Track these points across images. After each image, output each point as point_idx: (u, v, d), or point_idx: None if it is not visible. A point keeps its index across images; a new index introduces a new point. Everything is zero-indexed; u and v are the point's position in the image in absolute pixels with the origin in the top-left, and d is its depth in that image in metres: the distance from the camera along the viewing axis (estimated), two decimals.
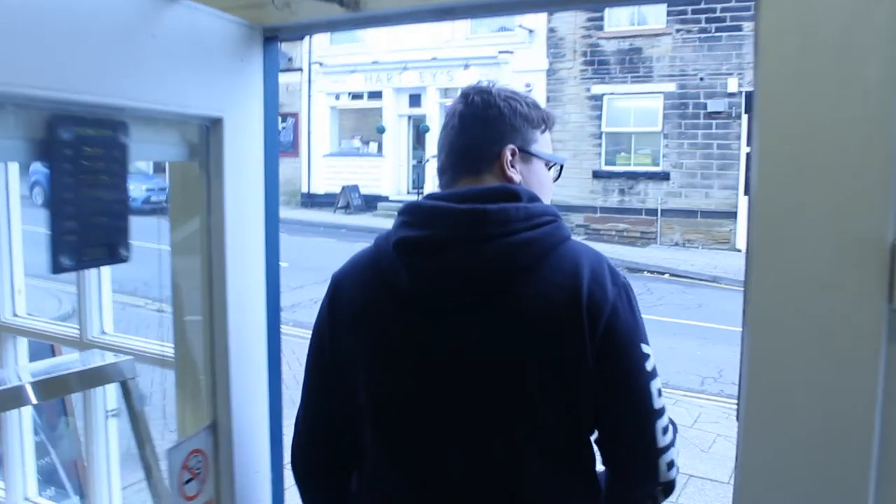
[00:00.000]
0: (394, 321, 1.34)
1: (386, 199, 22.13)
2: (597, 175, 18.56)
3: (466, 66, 20.22)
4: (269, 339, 1.88)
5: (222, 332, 1.72)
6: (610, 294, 1.28)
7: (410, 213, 1.35)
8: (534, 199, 1.34)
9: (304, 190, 23.91)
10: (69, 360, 2.31)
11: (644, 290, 12.56)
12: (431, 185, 20.58)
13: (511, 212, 1.28)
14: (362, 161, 23.07)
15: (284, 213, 15.42)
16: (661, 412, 1.31)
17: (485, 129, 1.41)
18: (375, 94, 22.51)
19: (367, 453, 1.42)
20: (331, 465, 1.51)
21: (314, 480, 1.54)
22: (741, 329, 1.05)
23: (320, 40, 23.24)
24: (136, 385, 2.18)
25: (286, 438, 1.78)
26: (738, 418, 1.06)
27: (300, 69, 23.73)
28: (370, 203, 22.13)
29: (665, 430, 1.32)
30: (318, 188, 23.58)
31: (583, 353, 1.26)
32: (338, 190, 22.49)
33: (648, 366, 1.31)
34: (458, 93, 1.47)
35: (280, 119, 23.96)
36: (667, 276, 14.22)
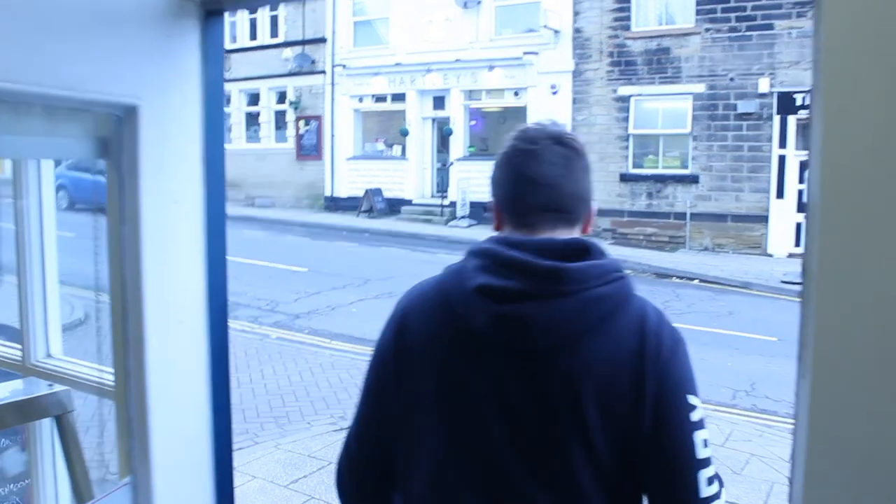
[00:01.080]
0: (467, 361, 1.41)
1: (409, 202, 21.87)
2: (624, 178, 18.15)
3: (491, 68, 19.92)
4: (213, 374, 1.57)
5: (139, 366, 1.41)
6: (669, 352, 1.37)
7: (489, 259, 1.40)
8: (603, 253, 1.42)
9: (328, 193, 23.74)
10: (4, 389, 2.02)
11: (673, 296, 12.15)
12: (455, 188, 20.33)
13: (589, 270, 1.36)
14: (386, 164, 22.83)
15: (307, 216, 15.38)
16: (705, 462, 1.36)
17: (587, 179, 1.53)
18: (399, 97, 22.26)
19: (425, 479, 1.46)
20: (381, 484, 1.57)
21: (362, 500, 1.61)
22: (799, 351, 0.89)
23: (343, 42, 23.06)
24: (70, 419, 1.88)
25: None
26: (792, 456, 0.91)
27: (323, 71, 23.56)
28: (393, 207, 21.88)
29: (710, 482, 1.36)
30: (342, 192, 23.39)
31: (642, 406, 1.34)
32: (361, 193, 22.27)
33: (695, 416, 1.36)
34: (527, 128, 1.55)
35: (304, 122, 24.00)
36: (696, 281, 13.78)
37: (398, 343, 1.48)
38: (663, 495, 1.39)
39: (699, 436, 1.35)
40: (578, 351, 1.35)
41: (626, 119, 18.07)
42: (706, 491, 1.35)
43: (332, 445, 5.51)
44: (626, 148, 18.18)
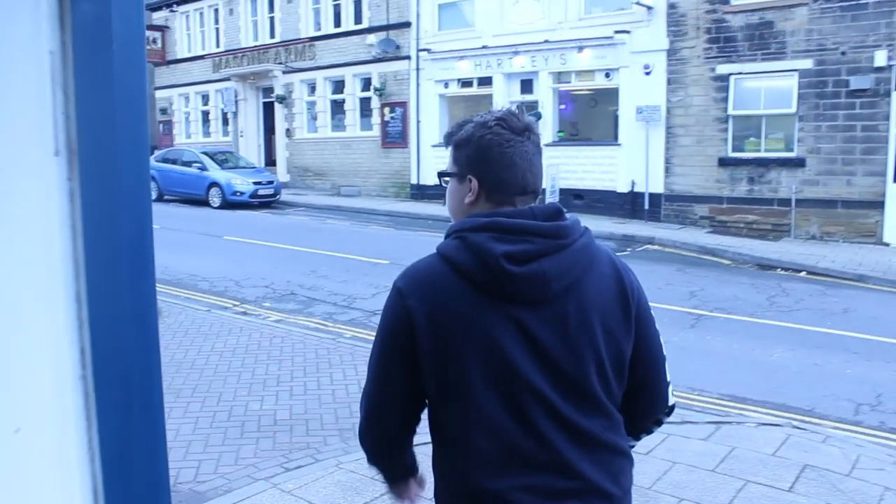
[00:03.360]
0: (493, 318, 1.71)
1: None
2: (723, 162, 17.08)
3: (580, 49, 19.08)
4: (102, 429, 1.02)
5: None
6: (636, 280, 1.90)
7: (499, 230, 1.72)
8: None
9: (413, 181, 23.36)
10: None
11: (778, 290, 11.21)
12: (544, 175, 19.50)
13: (574, 225, 1.79)
14: None
15: (392, 205, 15.03)
16: (665, 356, 1.96)
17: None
18: (485, 81, 21.62)
19: (481, 426, 1.74)
20: (408, 431, 1.96)
21: (393, 445, 1.97)
22: None
23: (428, 26, 22.54)
24: None
25: None
26: None
27: (408, 57, 23.12)
28: None
29: (666, 369, 1.97)
30: (428, 179, 22.94)
31: (629, 319, 1.84)
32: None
33: (656, 324, 1.95)
34: (507, 109, 1.89)
35: (388, 109, 23.65)
36: (803, 273, 12.74)
37: (415, 320, 1.73)
38: (647, 384, 1.89)
39: (661, 338, 1.95)
40: (580, 290, 1.74)
41: (725, 99, 16.96)
42: (668, 376, 1.96)
43: None
44: (726, 130, 17.08)
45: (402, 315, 1.76)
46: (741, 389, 6.97)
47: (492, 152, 1.81)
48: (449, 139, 1.94)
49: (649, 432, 2.05)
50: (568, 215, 1.79)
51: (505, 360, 1.70)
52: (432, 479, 1.92)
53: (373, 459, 2.04)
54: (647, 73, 18.04)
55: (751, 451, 5.31)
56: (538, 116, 20.26)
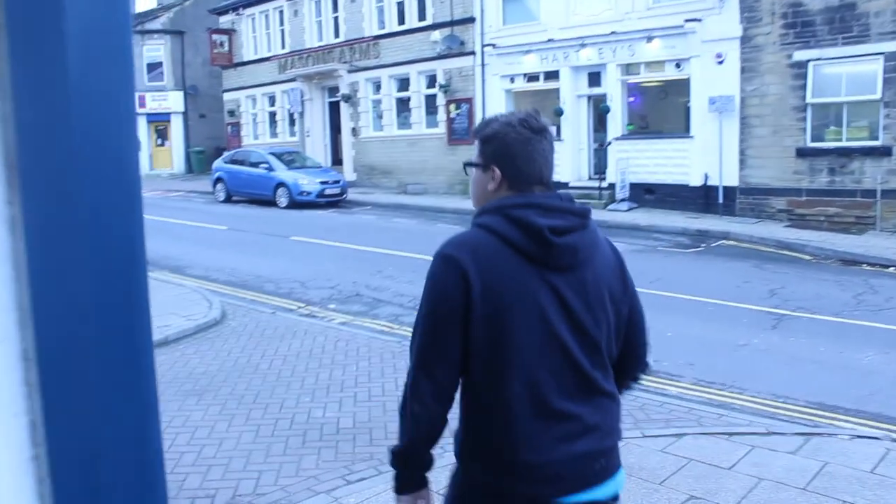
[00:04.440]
0: (534, 282, 2.03)
1: (565, 185, 20.82)
2: (801, 153, 16.37)
3: (649, 39, 18.55)
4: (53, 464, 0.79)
5: None
6: (621, 256, 2.27)
7: (541, 208, 2.04)
8: None
9: None
10: None
11: (865, 287, 10.61)
12: (614, 169, 19.18)
13: (589, 209, 2.18)
14: None
15: (459, 203, 14.87)
16: (646, 322, 2.34)
17: None
18: (552, 75, 21.23)
19: (521, 377, 2.03)
20: (449, 404, 2.11)
21: (445, 403, 2.10)
22: None
23: (492, 21, 22.24)
24: None
25: None
26: None
27: (472, 52, 22.85)
28: None
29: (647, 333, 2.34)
30: None
31: (626, 291, 2.22)
32: None
33: None
34: (527, 111, 2.19)
35: (454, 105, 23.42)
36: (892, 269, 12.07)
37: (475, 284, 1.99)
38: (632, 345, 2.28)
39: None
40: (594, 262, 2.11)
41: (804, 87, 16.24)
42: (647, 340, 2.36)
43: None
44: (804, 119, 16.36)
45: (457, 277, 2.00)
46: (831, 397, 6.51)
47: (515, 148, 2.11)
48: (477, 134, 2.21)
49: (629, 388, 2.42)
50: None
51: (545, 318, 2.03)
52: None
53: (408, 444, 2.13)
54: (720, 63, 17.42)
55: (845, 467, 4.89)
56: (606, 110, 19.78)
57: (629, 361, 2.28)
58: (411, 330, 2.16)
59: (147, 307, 0.90)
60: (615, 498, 2.18)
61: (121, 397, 0.85)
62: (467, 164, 2.23)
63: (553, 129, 2.32)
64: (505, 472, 2.06)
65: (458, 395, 2.15)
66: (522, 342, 2.02)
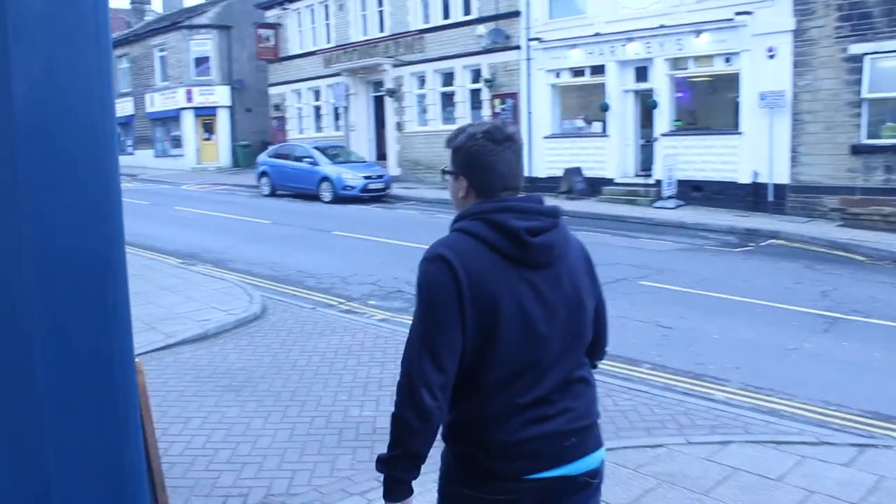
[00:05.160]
0: (514, 279, 2.19)
1: (611, 181, 20.58)
2: (856, 150, 15.90)
3: (698, 33, 18.20)
4: None
5: None
6: (588, 252, 2.43)
7: (516, 211, 2.20)
8: None
9: (525, 174, 22.75)
10: None
11: None
12: (661, 166, 18.87)
13: (560, 209, 2.33)
14: (585, 142, 21.63)
15: None
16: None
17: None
18: (598, 69, 20.94)
19: (504, 363, 2.20)
20: (448, 394, 2.20)
21: (448, 394, 2.19)
22: None
23: (538, 15, 22.01)
24: None
25: None
26: None
27: (518, 47, 22.65)
28: (594, 187, 20.65)
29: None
30: (539, 172, 22.46)
31: (593, 284, 2.40)
32: (560, 173, 21.22)
33: None
34: (493, 123, 2.38)
35: (499, 100, 23.23)
36: None
37: (464, 283, 2.14)
38: (599, 332, 2.45)
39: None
40: (566, 258, 2.29)
41: (859, 82, 15.76)
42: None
43: None
44: (859, 115, 15.88)
45: (451, 275, 2.14)
46: (887, 406, 6.22)
47: (478, 159, 2.28)
48: (448, 144, 2.39)
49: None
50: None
51: (525, 311, 2.19)
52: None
53: (409, 437, 2.18)
54: (771, 57, 17.01)
55: None
56: (654, 105, 19.44)
57: (593, 348, 2.45)
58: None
59: (128, 354, 0.79)
60: (591, 475, 2.33)
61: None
62: (443, 171, 2.45)
63: (520, 136, 2.38)
64: (482, 449, 2.23)
65: None
66: (505, 334, 2.17)
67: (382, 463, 2.26)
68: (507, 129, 2.31)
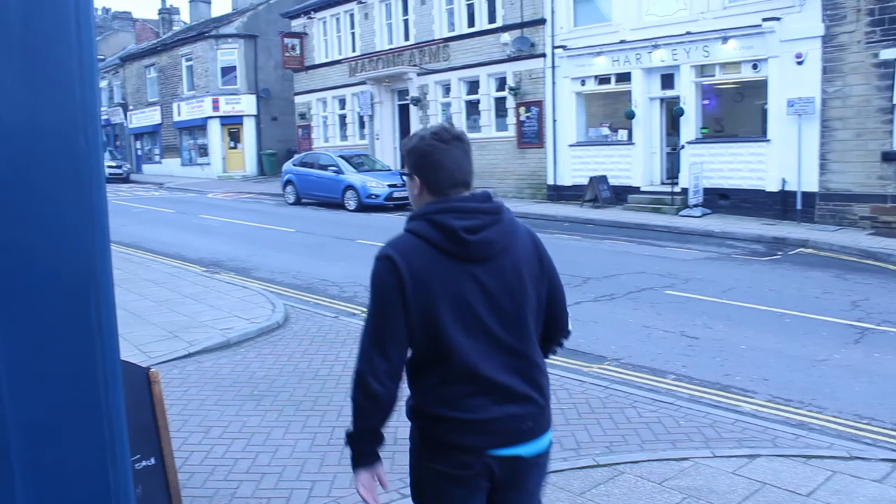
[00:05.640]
0: (458, 274, 2.37)
1: (637, 190, 20.42)
2: (887, 157, 15.64)
3: (725, 40, 18.02)
4: None
5: None
6: (539, 241, 2.60)
7: (455, 212, 2.38)
8: None
9: (550, 182, 22.83)
10: None
11: None
12: (687, 174, 18.70)
13: (502, 204, 2.49)
14: (611, 150, 21.49)
15: (528, 207, 14.67)
16: (565, 295, 2.67)
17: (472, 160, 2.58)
18: (623, 77, 20.81)
19: (457, 353, 2.39)
20: (399, 379, 2.44)
21: (397, 381, 2.43)
22: None
23: (563, 22, 21.93)
24: None
25: None
26: None
27: (543, 55, 22.58)
28: (619, 195, 20.51)
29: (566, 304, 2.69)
30: (565, 180, 22.37)
31: (543, 271, 2.55)
32: (585, 181, 21.09)
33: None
34: (440, 125, 2.57)
35: (524, 108, 23.16)
36: None
37: (407, 280, 2.33)
38: (553, 316, 2.60)
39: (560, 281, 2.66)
40: (511, 250, 2.45)
41: (891, 87, 15.51)
42: (567, 310, 2.68)
43: None
44: (891, 122, 15.63)
45: (395, 274, 2.33)
46: None
47: (427, 158, 2.45)
48: (403, 147, 2.57)
49: (554, 352, 2.76)
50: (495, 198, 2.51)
51: (467, 303, 2.38)
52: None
53: (367, 423, 2.49)
54: (800, 63, 16.80)
55: None
56: (680, 113, 19.28)
57: (553, 330, 2.63)
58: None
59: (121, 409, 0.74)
60: (540, 455, 2.55)
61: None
62: (400, 173, 2.62)
63: (466, 136, 2.59)
64: (445, 427, 2.43)
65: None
66: (451, 326, 2.36)
67: (347, 438, 2.53)
68: (454, 130, 2.51)
